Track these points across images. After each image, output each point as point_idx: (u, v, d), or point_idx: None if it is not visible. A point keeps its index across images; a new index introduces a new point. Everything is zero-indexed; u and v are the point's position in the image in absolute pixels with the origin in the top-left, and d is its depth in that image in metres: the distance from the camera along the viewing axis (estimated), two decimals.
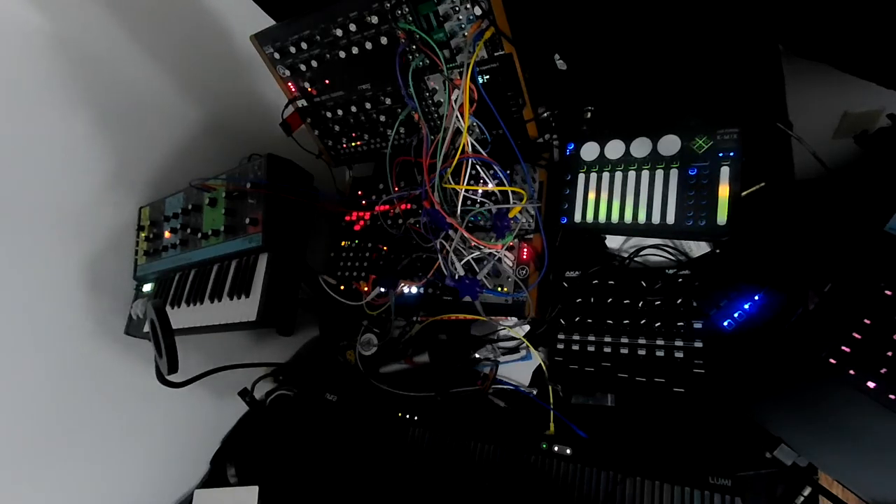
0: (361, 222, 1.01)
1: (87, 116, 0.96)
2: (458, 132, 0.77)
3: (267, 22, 0.86)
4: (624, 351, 0.70)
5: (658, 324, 0.69)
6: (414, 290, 0.88)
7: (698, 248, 0.74)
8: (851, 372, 0.53)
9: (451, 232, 0.81)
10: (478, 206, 0.81)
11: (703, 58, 0.79)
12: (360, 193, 1.04)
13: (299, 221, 0.90)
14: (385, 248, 0.94)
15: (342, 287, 0.96)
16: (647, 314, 0.70)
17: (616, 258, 0.79)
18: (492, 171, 0.80)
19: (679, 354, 0.66)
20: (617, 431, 0.70)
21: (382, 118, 0.90)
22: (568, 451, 0.72)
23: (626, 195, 0.73)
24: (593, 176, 0.76)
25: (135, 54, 1.00)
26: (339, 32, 0.79)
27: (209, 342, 0.96)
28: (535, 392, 0.79)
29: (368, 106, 0.89)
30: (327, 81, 0.89)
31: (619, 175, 0.74)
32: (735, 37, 0.76)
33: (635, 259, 0.76)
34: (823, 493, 0.57)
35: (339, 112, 0.92)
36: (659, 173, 0.71)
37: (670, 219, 0.69)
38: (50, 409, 0.89)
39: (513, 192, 0.79)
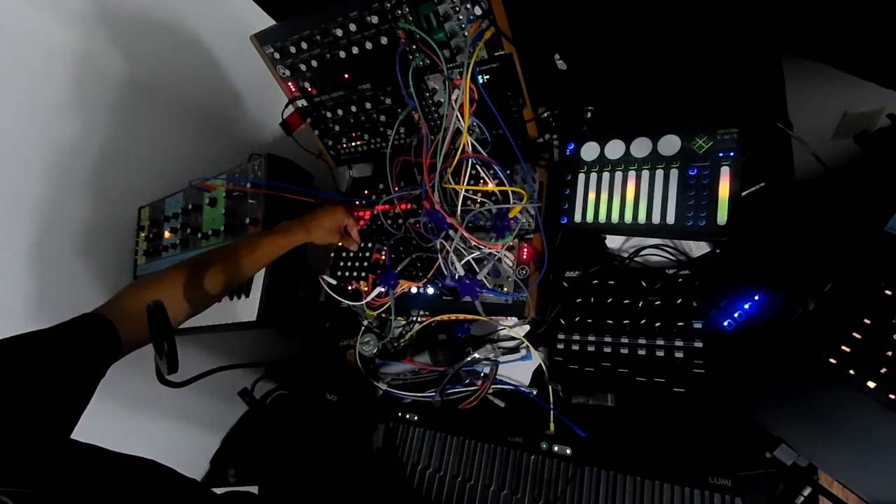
0: (361, 222, 1.01)
1: (86, 117, 0.96)
2: (458, 132, 0.77)
3: (267, 22, 0.86)
4: (624, 351, 0.70)
5: (658, 324, 0.69)
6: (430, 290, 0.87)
7: (698, 248, 0.74)
8: (851, 372, 0.53)
9: (451, 232, 0.81)
10: (478, 206, 0.81)
11: (703, 58, 0.79)
12: (361, 193, 1.04)
13: None
14: (385, 247, 0.94)
15: (348, 288, 0.96)
16: (647, 314, 0.70)
17: (616, 258, 0.79)
18: (492, 171, 0.80)
19: (679, 354, 0.66)
20: (617, 431, 0.70)
21: (382, 118, 0.90)
22: (568, 451, 0.72)
23: (626, 195, 0.73)
24: (593, 176, 0.76)
25: (135, 55, 1.00)
26: (339, 32, 0.79)
27: (209, 342, 0.96)
28: (535, 392, 0.79)
29: (368, 106, 0.89)
30: (327, 81, 0.89)
31: (619, 175, 0.74)
32: (735, 37, 0.76)
33: (635, 259, 0.76)
34: (823, 493, 0.57)
35: (339, 112, 0.92)
36: (659, 173, 0.71)
37: (670, 219, 0.69)
38: None
39: (513, 192, 0.79)
